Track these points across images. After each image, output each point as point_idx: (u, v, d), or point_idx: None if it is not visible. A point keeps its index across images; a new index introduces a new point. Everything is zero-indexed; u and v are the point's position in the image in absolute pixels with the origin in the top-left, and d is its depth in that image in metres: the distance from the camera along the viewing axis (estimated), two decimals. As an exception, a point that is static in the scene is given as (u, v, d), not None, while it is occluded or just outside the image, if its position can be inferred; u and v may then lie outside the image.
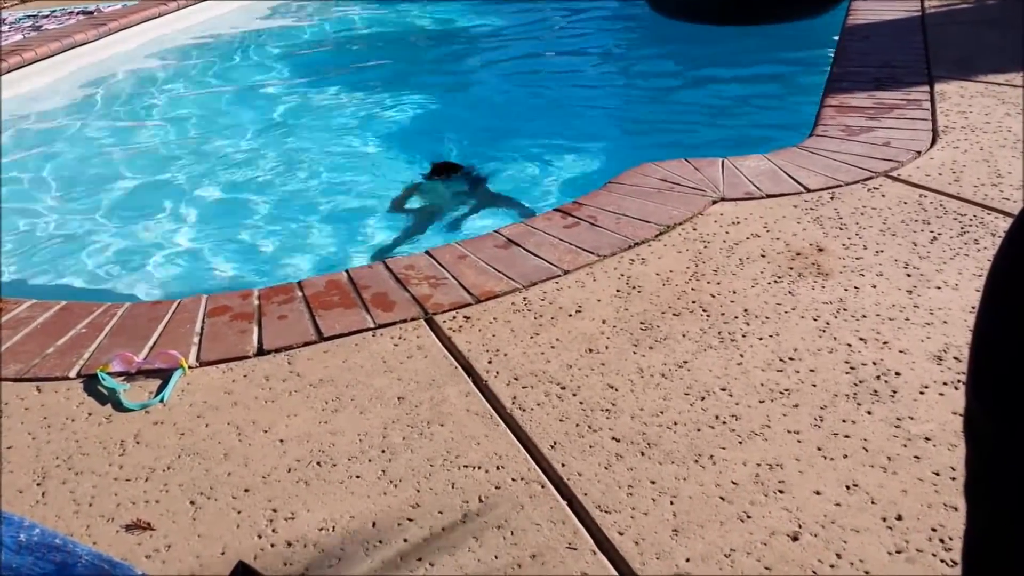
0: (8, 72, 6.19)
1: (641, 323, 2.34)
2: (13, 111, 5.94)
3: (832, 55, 4.78)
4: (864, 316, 2.29)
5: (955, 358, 2.08)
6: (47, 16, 8.03)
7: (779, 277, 2.51)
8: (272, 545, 1.68)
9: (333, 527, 1.71)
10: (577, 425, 1.95)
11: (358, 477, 1.84)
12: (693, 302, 2.42)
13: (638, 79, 6.35)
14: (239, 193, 4.48)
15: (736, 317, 2.33)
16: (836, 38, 5.10)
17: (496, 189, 4.27)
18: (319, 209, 4.22)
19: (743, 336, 2.24)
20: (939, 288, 2.39)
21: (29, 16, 8.15)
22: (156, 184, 4.64)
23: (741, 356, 2.16)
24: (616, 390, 2.06)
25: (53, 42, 6.71)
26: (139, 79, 6.73)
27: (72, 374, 2.28)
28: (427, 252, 2.82)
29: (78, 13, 7.98)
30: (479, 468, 1.84)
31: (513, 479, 1.80)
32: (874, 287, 2.42)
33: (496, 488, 1.78)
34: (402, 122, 5.51)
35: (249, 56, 7.33)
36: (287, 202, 4.33)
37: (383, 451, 1.91)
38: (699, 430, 1.90)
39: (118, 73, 6.87)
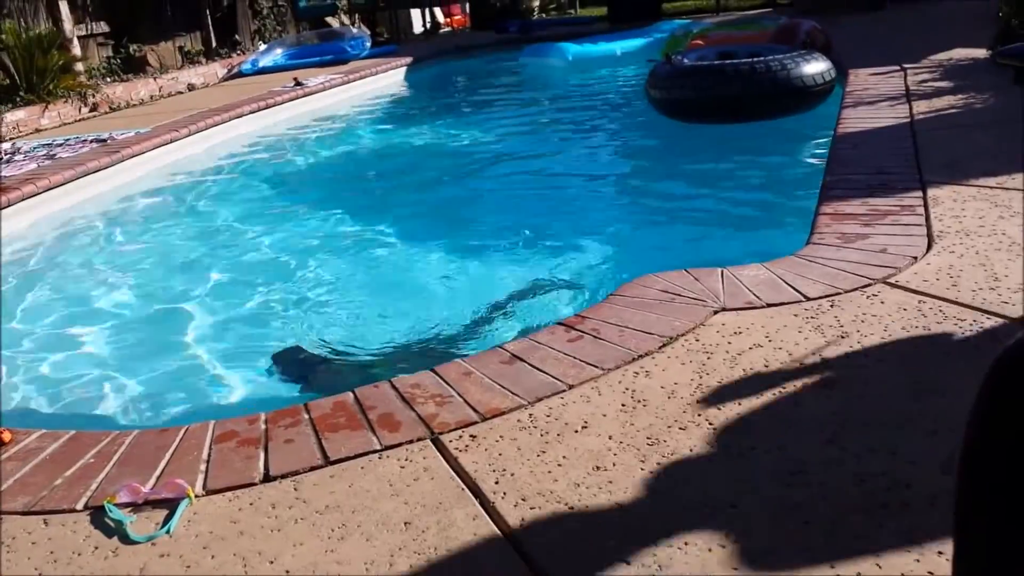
0: (22, 200, 6.35)
1: (648, 438, 2.33)
2: (25, 239, 6.09)
3: (824, 158, 4.92)
4: (868, 425, 2.28)
5: (964, 467, 2.06)
6: (61, 144, 8.29)
7: (783, 387, 2.52)
8: None
9: (340, 662, 1.68)
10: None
11: (366, 608, 1.81)
12: (698, 415, 2.42)
13: (636, 190, 6.52)
14: (246, 315, 4.54)
15: (741, 429, 2.32)
16: (828, 142, 5.26)
17: (499, 301, 4.31)
18: (327, 326, 4.27)
19: (751, 449, 2.23)
20: (943, 395, 2.39)
21: (44, 145, 8.42)
22: (164, 309, 4.71)
23: (749, 470, 2.14)
24: (625, 509, 2.04)
25: (67, 170, 6.92)
26: (151, 204, 6.91)
27: (79, 506, 2.27)
28: (432, 370, 2.84)
29: (92, 141, 8.25)
30: (488, 595, 1.81)
31: (523, 606, 1.77)
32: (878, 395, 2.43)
33: (506, 616, 1.75)
34: (401, 236, 5.62)
35: (265, 179, 7.54)
36: (295, 321, 4.38)
37: (391, 580, 1.89)
38: (710, 550, 1.88)
39: (131, 199, 7.06)
